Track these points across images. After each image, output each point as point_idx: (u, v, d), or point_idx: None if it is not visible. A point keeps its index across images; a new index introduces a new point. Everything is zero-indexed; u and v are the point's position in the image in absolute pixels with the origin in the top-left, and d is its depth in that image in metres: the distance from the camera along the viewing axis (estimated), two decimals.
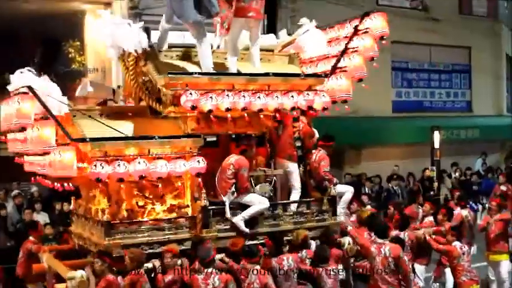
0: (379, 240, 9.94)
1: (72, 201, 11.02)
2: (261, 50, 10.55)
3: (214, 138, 10.55)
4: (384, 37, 10.84)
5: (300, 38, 11.29)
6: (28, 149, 9.53)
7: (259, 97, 9.41)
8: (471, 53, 27.69)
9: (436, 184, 20.69)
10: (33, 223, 12.97)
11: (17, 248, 12.86)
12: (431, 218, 12.84)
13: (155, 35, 10.60)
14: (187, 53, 10.33)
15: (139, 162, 8.70)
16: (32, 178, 10.60)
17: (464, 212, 12.99)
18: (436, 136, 21.67)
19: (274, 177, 10.53)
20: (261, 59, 10.46)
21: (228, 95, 9.22)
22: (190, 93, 9.03)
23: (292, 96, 9.69)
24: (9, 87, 9.38)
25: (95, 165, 8.51)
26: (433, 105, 27.02)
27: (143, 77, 10.06)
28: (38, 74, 9.57)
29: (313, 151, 10.96)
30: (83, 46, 20.62)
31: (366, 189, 19.65)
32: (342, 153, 23.51)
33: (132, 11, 19.62)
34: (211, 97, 9.13)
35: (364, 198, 16.60)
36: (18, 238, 14.45)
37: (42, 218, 15.66)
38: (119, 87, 11.65)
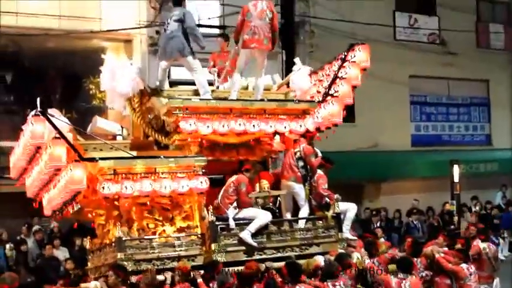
0: (401, 275, 9.91)
1: (88, 241, 11.31)
2: None
3: (221, 176, 11.03)
4: (366, 69, 11.55)
5: (292, 77, 11.99)
6: (43, 176, 9.96)
7: (255, 123, 10.26)
8: (489, 86, 27.60)
9: (456, 218, 20.56)
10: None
11: (37, 283, 12.95)
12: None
13: (175, 71, 11.08)
14: (188, 90, 11.21)
15: (146, 181, 9.29)
16: (53, 215, 10.85)
17: (482, 245, 12.89)
18: (456, 170, 21.55)
19: (279, 197, 11.29)
20: None
21: (225, 121, 10.07)
22: (190, 118, 9.87)
23: (287, 121, 10.56)
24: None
25: (104, 182, 9.07)
26: (452, 138, 26.91)
27: (149, 115, 10.97)
28: (60, 110, 10.03)
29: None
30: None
31: (379, 223, 19.53)
32: (361, 187, 23.50)
33: (152, 48, 19.83)
34: (209, 122, 9.96)
35: (378, 231, 16.53)
36: (38, 274, 14.54)
37: (62, 253, 15.77)
38: (122, 127, 12.30)
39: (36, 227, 17.10)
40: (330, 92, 11.08)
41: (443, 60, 25.44)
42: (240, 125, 10.11)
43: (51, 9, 18.63)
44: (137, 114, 10.89)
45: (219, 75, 12.06)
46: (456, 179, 21.51)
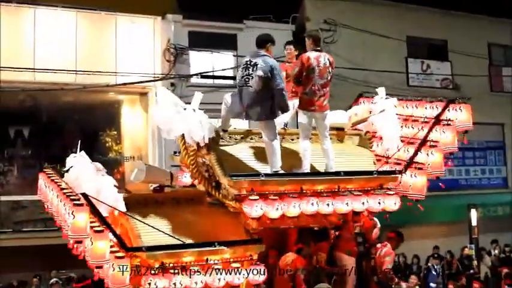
0: None
1: None
2: (331, 128, 9.89)
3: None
4: (468, 131, 10.19)
5: (374, 117, 10.44)
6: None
7: (328, 203, 8.87)
8: (504, 129, 27.64)
9: (475, 262, 20.39)
10: None
11: None
12: None
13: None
14: (249, 136, 9.72)
15: (197, 271, 8.21)
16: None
17: None
18: (473, 214, 21.45)
19: (334, 276, 10.13)
20: (330, 138, 9.71)
21: (295, 201, 8.69)
22: (256, 203, 8.47)
23: (364, 199, 9.12)
24: (66, 175, 8.91)
25: (151, 280, 8.01)
26: (469, 182, 26.79)
27: (203, 159, 9.50)
28: None
29: (378, 245, 10.73)
30: (120, 135, 21.05)
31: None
32: None
33: None
34: (278, 206, 8.58)
35: (413, 279, 16.26)
36: None
37: None
38: (175, 153, 11.22)
39: (53, 280, 17.07)
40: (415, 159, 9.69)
41: None
42: (312, 205, 8.75)
43: (67, 64, 18.93)
44: (190, 157, 9.30)
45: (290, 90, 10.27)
46: (474, 222, 21.39)
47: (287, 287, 9.41)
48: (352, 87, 21.62)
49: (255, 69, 8.85)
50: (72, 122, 20.38)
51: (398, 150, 10.05)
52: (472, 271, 19.60)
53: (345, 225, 10.22)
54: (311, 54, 9.35)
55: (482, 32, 26.73)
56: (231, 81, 20.52)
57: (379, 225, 10.77)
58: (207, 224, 9.10)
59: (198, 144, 9.03)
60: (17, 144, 20.11)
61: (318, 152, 9.57)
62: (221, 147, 9.30)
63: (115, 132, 21.04)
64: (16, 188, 19.44)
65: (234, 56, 21.80)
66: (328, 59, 9.46)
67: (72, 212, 7.85)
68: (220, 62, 21.21)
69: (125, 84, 19.55)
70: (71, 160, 8.90)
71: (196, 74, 21.07)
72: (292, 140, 9.86)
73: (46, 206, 9.44)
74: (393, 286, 10.40)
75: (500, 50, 28.02)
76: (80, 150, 8.92)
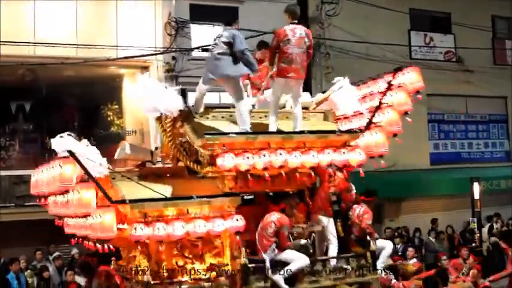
0: None
1: (112, 263, 11.04)
2: None
3: (252, 196, 10.55)
4: (420, 91, 11.02)
5: (333, 94, 11.30)
6: (69, 212, 9.41)
7: (295, 155, 9.50)
8: (507, 102, 27.53)
9: (477, 236, 20.43)
10: None
11: None
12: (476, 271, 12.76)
13: (192, 97, 10.82)
14: (223, 113, 10.54)
15: (178, 223, 8.76)
16: (73, 240, 10.60)
17: None
18: (476, 187, 21.45)
19: (313, 234, 10.71)
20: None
21: (264, 155, 9.34)
22: (227, 154, 9.15)
23: (329, 153, 9.78)
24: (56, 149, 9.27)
25: (135, 227, 8.62)
26: (472, 156, 26.75)
27: (180, 138, 10.21)
28: (78, 138, 9.45)
29: (355, 206, 11.01)
30: (121, 109, 21.00)
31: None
32: (381, 207, 23.35)
33: (168, 74, 19.98)
34: (247, 157, 9.25)
35: (410, 252, 16.36)
36: None
37: (83, 280, 15.73)
38: (156, 148, 11.94)
39: (56, 254, 17.16)
40: (374, 120, 10.56)
41: (461, 78, 25.37)
42: (281, 154, 9.40)
43: (68, 38, 18.81)
44: (168, 137, 10.17)
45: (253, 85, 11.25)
46: (477, 196, 21.41)
47: (270, 242, 9.69)
48: (354, 61, 21.54)
49: (219, 38, 9.99)
50: (73, 96, 20.37)
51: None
52: (474, 244, 19.65)
53: (320, 187, 10.84)
54: (287, 27, 10.07)
55: (486, 4, 26.54)
56: None
57: (354, 190, 11.16)
58: (187, 188, 9.77)
59: (173, 120, 9.96)
60: (18, 118, 20.13)
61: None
62: (195, 121, 10.04)
63: (116, 107, 21.00)
64: (18, 162, 19.48)
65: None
66: (305, 31, 10.18)
67: (60, 164, 8.71)
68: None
69: (126, 58, 19.41)
70: (58, 141, 9.22)
71: (197, 48, 20.93)
72: (261, 118, 10.59)
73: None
74: (371, 240, 10.62)
75: (504, 22, 27.87)
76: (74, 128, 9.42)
